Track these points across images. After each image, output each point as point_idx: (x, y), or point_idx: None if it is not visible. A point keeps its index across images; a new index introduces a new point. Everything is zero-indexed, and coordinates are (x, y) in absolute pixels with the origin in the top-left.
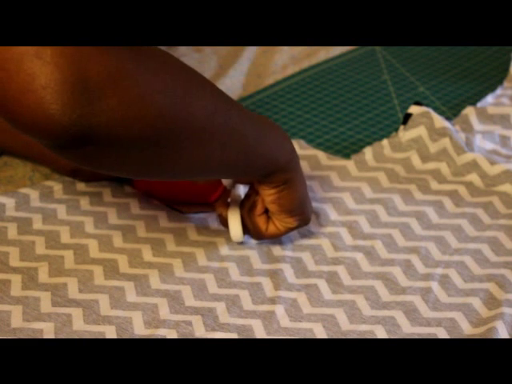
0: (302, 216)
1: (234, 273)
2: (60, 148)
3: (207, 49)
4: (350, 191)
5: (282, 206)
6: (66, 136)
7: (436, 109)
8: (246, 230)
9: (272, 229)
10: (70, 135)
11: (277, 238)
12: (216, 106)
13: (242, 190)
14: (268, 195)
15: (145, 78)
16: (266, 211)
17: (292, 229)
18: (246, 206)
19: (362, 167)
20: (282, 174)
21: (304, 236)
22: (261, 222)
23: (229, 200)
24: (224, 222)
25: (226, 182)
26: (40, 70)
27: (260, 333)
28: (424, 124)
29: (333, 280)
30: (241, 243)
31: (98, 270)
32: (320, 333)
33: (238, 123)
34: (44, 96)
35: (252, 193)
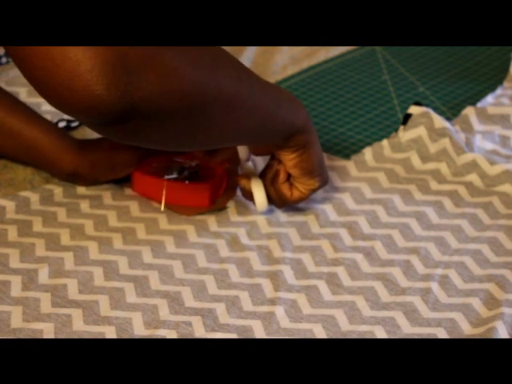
0: (322, 176)
1: (234, 274)
2: (106, 125)
3: None
4: (350, 191)
5: (304, 168)
6: (112, 113)
7: (436, 109)
8: (270, 199)
9: (296, 193)
10: (116, 112)
11: (301, 202)
12: (239, 75)
13: (250, 164)
14: (289, 160)
15: (175, 52)
16: (288, 179)
17: (315, 190)
18: (269, 176)
19: (362, 167)
20: (300, 136)
21: (304, 237)
22: (285, 188)
23: (240, 173)
24: (247, 195)
25: (242, 155)
26: (84, 56)
27: (260, 333)
28: (424, 124)
29: (333, 281)
30: (240, 244)
31: (97, 272)
32: (320, 333)
33: (259, 90)
34: (90, 79)
35: (273, 163)
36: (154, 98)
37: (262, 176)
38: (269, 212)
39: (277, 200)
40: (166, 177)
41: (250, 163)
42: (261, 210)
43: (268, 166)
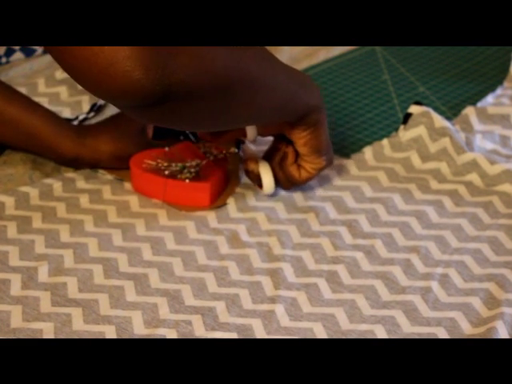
0: (328, 156)
1: (234, 271)
2: (143, 108)
3: None
4: (350, 190)
5: (314, 146)
6: (150, 96)
7: (436, 109)
8: (277, 181)
9: (304, 174)
10: (154, 95)
11: (309, 182)
12: (262, 55)
13: (253, 146)
14: (301, 138)
15: None
16: (295, 160)
17: (321, 169)
18: (277, 159)
19: (362, 166)
20: (314, 114)
21: (304, 235)
22: (293, 170)
23: (242, 155)
24: (254, 178)
25: (250, 136)
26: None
27: (260, 332)
28: (424, 124)
29: (333, 279)
30: (240, 241)
31: (97, 269)
32: (320, 332)
33: (281, 70)
34: (129, 65)
35: (281, 145)
36: (188, 80)
37: (268, 159)
38: (268, 209)
39: (285, 182)
40: (166, 173)
41: (252, 146)
42: (268, 193)
43: (274, 149)
